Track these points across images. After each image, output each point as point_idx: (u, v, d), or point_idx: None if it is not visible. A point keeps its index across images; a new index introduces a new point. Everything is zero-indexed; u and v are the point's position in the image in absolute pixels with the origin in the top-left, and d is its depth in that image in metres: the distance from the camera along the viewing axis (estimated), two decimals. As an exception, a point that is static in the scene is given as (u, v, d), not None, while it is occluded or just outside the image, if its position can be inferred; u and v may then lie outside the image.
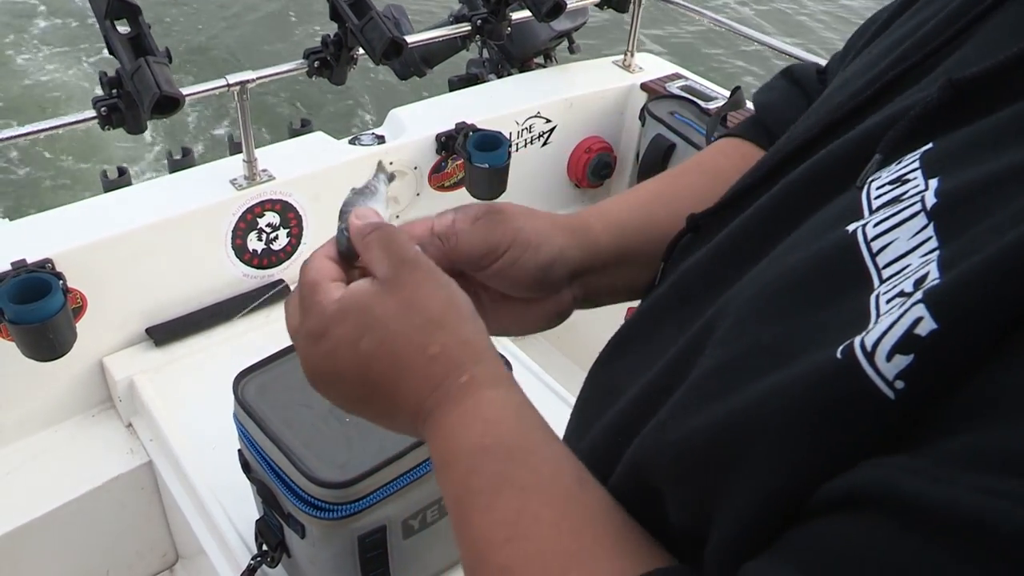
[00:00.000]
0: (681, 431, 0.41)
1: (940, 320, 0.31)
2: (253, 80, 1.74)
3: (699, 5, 2.45)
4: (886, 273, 0.36)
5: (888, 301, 0.34)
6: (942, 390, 0.31)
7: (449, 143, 2.06)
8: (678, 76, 2.43)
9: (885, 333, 0.32)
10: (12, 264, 1.56)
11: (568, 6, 2.07)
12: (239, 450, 1.36)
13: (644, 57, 2.54)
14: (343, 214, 0.60)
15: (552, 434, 0.49)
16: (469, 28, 2.07)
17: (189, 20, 6.43)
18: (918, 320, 0.31)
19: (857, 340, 0.33)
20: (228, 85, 1.72)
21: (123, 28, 1.52)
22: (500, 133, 2.05)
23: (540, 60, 2.61)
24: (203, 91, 1.70)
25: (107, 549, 1.82)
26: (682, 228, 0.61)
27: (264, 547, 1.38)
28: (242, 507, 1.51)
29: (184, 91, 1.57)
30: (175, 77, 1.52)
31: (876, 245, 0.37)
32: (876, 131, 0.45)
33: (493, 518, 0.44)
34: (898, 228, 0.37)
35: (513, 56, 2.54)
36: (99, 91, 1.57)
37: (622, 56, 2.49)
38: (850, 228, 0.39)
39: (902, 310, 0.32)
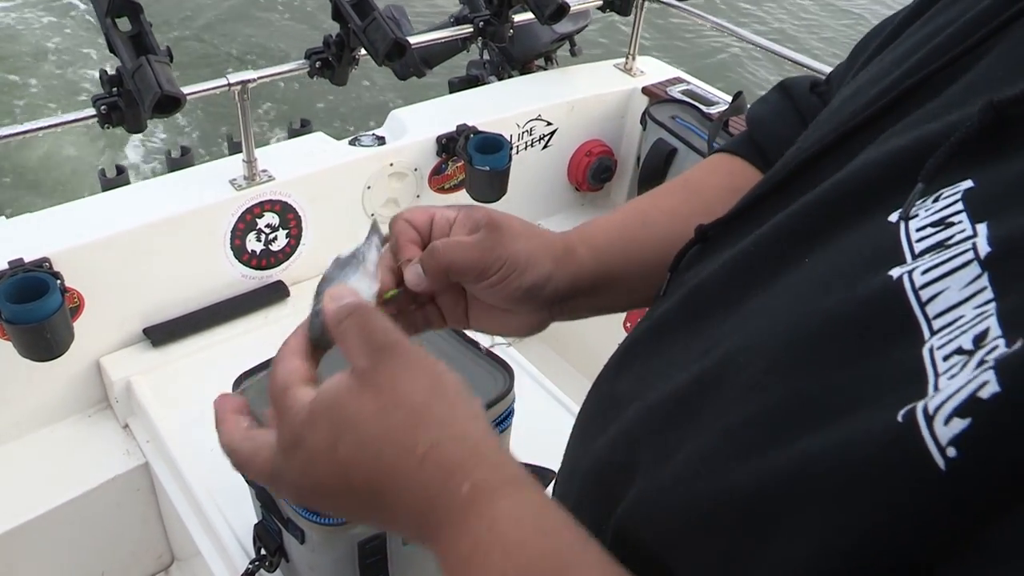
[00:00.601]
0: (719, 483, 0.38)
1: (1003, 382, 0.29)
2: (254, 80, 1.73)
3: (701, 9, 2.45)
4: (937, 324, 0.34)
5: (945, 358, 0.32)
6: (996, 472, 0.29)
7: (450, 145, 2.05)
8: (680, 80, 2.42)
9: (949, 398, 0.30)
10: (9, 263, 1.55)
11: (571, 8, 2.07)
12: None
13: (646, 60, 2.53)
14: (318, 294, 0.55)
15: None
16: (471, 30, 2.06)
17: (189, 18, 6.41)
18: (983, 384, 0.30)
19: (920, 405, 0.31)
20: (229, 84, 1.71)
21: (124, 26, 1.51)
22: (501, 136, 2.04)
23: (541, 62, 2.60)
24: (204, 90, 1.69)
25: (102, 550, 1.80)
26: (690, 239, 0.60)
27: (263, 551, 1.37)
28: (240, 510, 1.50)
29: (184, 90, 1.56)
30: (175, 76, 1.51)
31: (925, 294, 0.35)
32: (904, 155, 0.43)
33: None
34: (949, 277, 0.35)
35: (514, 58, 2.54)
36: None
37: (624, 59, 2.48)
38: (894, 273, 0.37)
39: (970, 375, 0.30)
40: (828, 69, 2.08)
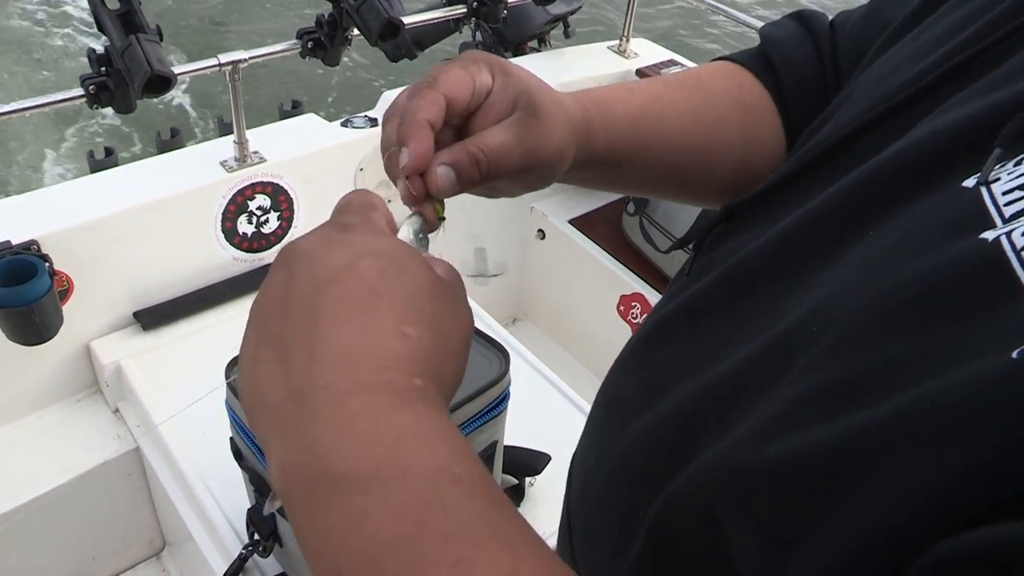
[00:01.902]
0: (795, 443, 0.36)
1: None
2: (245, 60, 1.71)
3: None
4: None
5: None
6: None
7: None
8: (673, 63, 2.41)
9: None
10: (-3, 245, 1.52)
11: (565, -11, 2.05)
12: (231, 438, 1.33)
13: (639, 42, 2.51)
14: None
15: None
16: (465, 10, 2.04)
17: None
18: None
19: None
20: (220, 64, 1.68)
21: (113, 3, 1.48)
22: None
23: (535, 44, 2.58)
24: (194, 70, 1.67)
25: (93, 536, 1.79)
26: (716, 217, 0.58)
27: (256, 536, 1.36)
28: (233, 494, 1.49)
29: (174, 70, 1.54)
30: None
31: None
32: (972, 123, 0.41)
33: None
34: None
35: (507, 40, 2.51)
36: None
37: (617, 41, 2.46)
38: (988, 236, 0.35)
39: None
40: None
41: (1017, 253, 0.34)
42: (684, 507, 0.42)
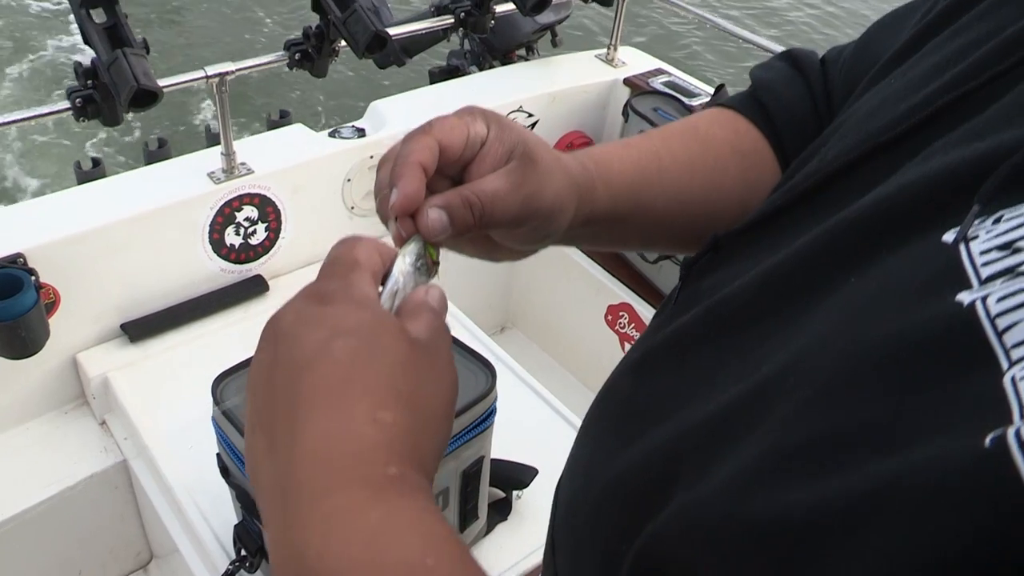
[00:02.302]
0: (775, 500, 0.36)
1: None
2: (232, 72, 1.71)
3: (684, 1, 2.44)
4: (1015, 355, 0.33)
5: None
6: None
7: (431, 137, 2.03)
8: (661, 72, 2.42)
9: None
10: (-18, 259, 1.52)
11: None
12: (217, 454, 1.33)
13: (627, 51, 2.52)
14: (397, 277, 0.52)
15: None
16: (452, 20, 2.04)
17: (165, 7, 6.33)
18: None
19: (1012, 430, 0.30)
20: (207, 77, 1.68)
21: (99, 17, 1.48)
22: (483, 128, 2.03)
23: (522, 52, 2.59)
24: (181, 83, 1.66)
25: (80, 548, 1.79)
26: (704, 247, 0.58)
27: (243, 552, 1.36)
28: (220, 509, 1.49)
29: (161, 83, 1.53)
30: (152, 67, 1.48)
31: (1001, 323, 0.34)
32: (953, 174, 0.41)
33: None
34: None
35: (495, 48, 2.52)
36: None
37: (605, 50, 2.47)
38: (964, 299, 0.35)
39: None
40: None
41: (991, 320, 0.34)
42: (664, 550, 0.42)
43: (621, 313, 2.29)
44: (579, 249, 2.36)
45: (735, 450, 0.40)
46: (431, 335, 0.48)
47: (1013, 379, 0.32)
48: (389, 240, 0.55)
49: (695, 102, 2.23)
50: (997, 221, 0.37)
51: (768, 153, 0.73)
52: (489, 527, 1.54)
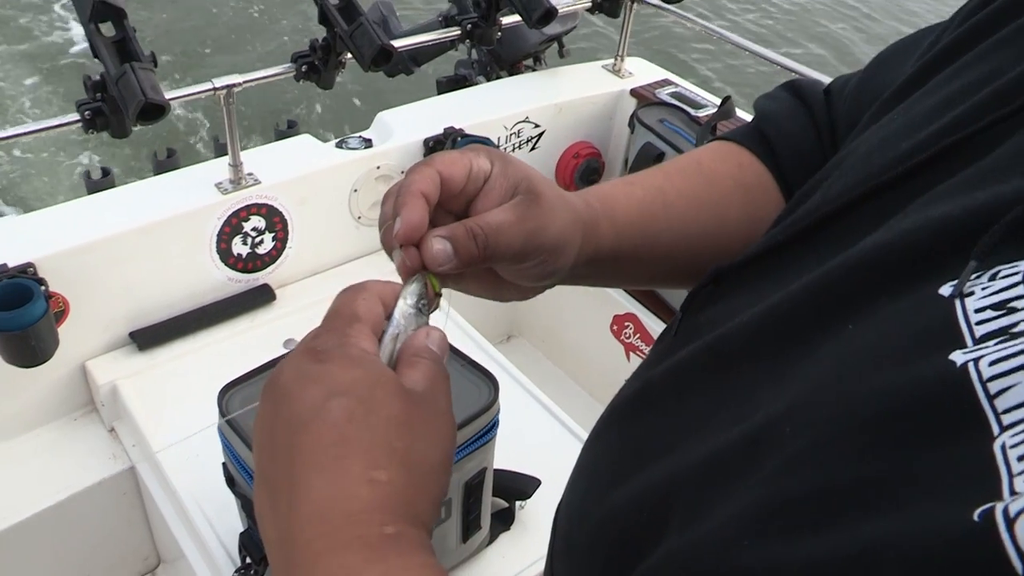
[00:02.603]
0: (765, 555, 0.36)
1: None
2: (239, 84, 1.73)
3: (691, 12, 2.45)
4: (1006, 420, 0.33)
5: (1020, 458, 0.31)
6: None
7: (437, 147, 2.05)
8: (668, 82, 2.43)
9: None
10: (-7, 269, 1.54)
11: (559, 11, 2.06)
12: (223, 463, 1.35)
13: (634, 62, 2.53)
14: (398, 320, 0.53)
15: None
16: (459, 32, 2.06)
17: (173, 20, 6.37)
18: None
19: (1000, 507, 0.30)
20: (214, 89, 1.70)
21: (108, 31, 1.50)
22: (487, 139, 2.05)
23: (530, 63, 2.60)
24: (189, 95, 1.69)
25: (89, 553, 1.81)
26: (704, 279, 0.58)
27: (247, 560, 1.38)
28: (225, 516, 1.50)
29: (169, 95, 1.55)
30: (161, 79, 1.51)
31: (993, 387, 0.33)
32: (953, 225, 0.41)
33: None
34: (1020, 372, 0.33)
35: (502, 59, 2.53)
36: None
37: (612, 61, 2.48)
38: (957, 359, 0.35)
39: None
40: (815, 74, 2.06)
41: (983, 384, 0.34)
42: None
43: (627, 323, 2.30)
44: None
45: (727, 497, 0.41)
46: (428, 384, 0.50)
47: (1003, 446, 0.32)
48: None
49: (702, 113, 2.24)
50: (993, 278, 0.37)
51: (772, 186, 0.74)
52: (492, 537, 1.55)
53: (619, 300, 2.30)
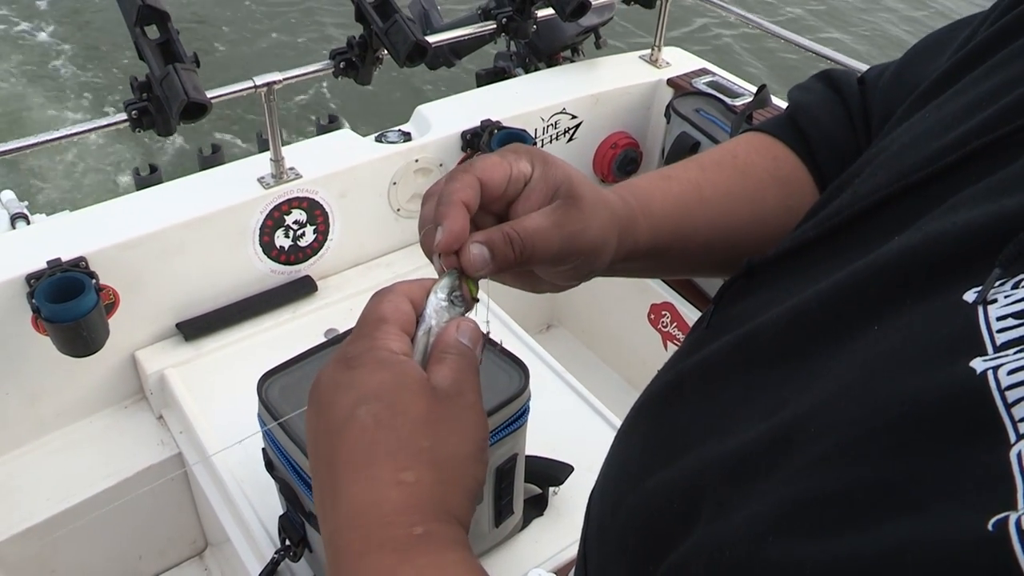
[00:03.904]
0: (786, 552, 0.37)
1: None
2: (280, 81, 1.77)
3: (726, 1, 2.44)
4: (1023, 428, 0.33)
5: None
6: None
7: (474, 140, 2.08)
8: (705, 72, 2.42)
9: None
10: (48, 263, 1.61)
11: (593, 3, 2.08)
12: (263, 448, 1.40)
13: (671, 51, 2.53)
14: (430, 315, 0.55)
15: None
16: (494, 26, 2.08)
17: (216, 20, 6.50)
18: None
19: (1013, 517, 0.31)
20: (256, 87, 1.75)
21: (153, 34, 1.56)
22: (524, 131, 2.07)
23: (567, 54, 2.61)
24: (230, 93, 1.74)
25: (140, 535, 1.88)
26: (737, 272, 0.59)
27: (287, 542, 1.43)
28: (267, 500, 1.56)
29: (211, 93, 1.61)
30: (202, 78, 1.56)
31: (1011, 395, 0.34)
32: (979, 232, 0.42)
33: None
34: None
35: (540, 51, 2.55)
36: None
37: (649, 51, 2.48)
38: (977, 367, 0.36)
39: None
40: (851, 62, 2.04)
41: (1001, 392, 0.34)
42: None
43: (664, 312, 2.31)
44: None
45: (754, 492, 0.42)
46: (455, 379, 0.51)
47: (1019, 454, 0.32)
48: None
49: (738, 102, 2.23)
50: (1017, 286, 0.37)
51: (807, 179, 0.74)
52: (525, 522, 1.58)
53: (656, 290, 2.31)
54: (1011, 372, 0.34)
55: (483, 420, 0.52)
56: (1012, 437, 0.33)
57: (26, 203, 2.11)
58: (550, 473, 1.60)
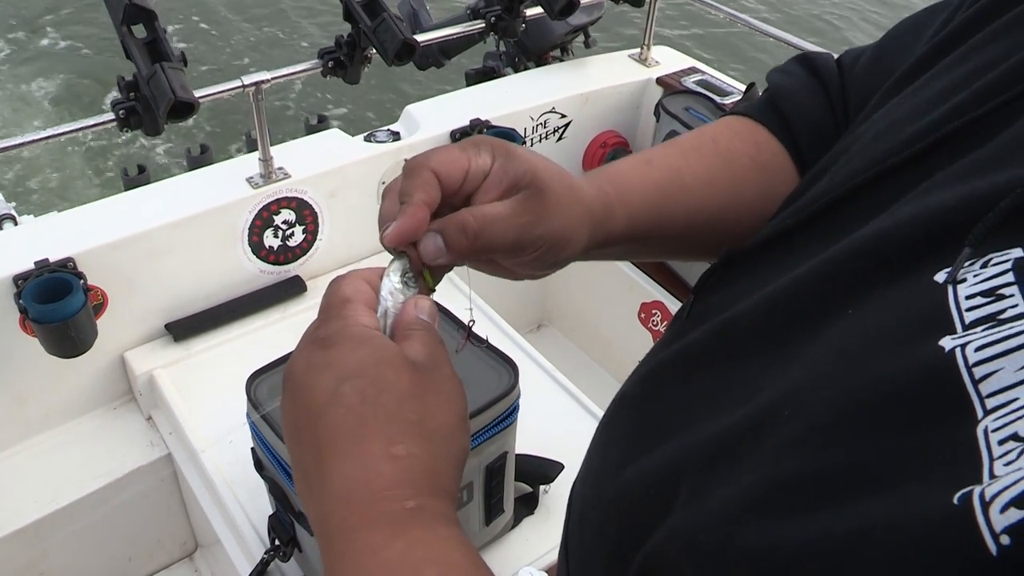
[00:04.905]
0: (763, 532, 0.38)
1: None
2: (268, 80, 1.77)
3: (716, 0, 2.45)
4: (990, 404, 0.34)
5: (1000, 443, 0.32)
6: None
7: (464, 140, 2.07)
8: (694, 70, 2.43)
9: (1007, 487, 0.30)
10: (36, 263, 1.61)
11: (583, 1, 2.08)
12: (252, 448, 1.39)
13: (660, 50, 2.54)
14: (385, 297, 0.55)
15: None
16: (483, 25, 2.08)
17: (203, 19, 6.48)
18: None
19: (977, 491, 0.31)
20: (243, 86, 1.74)
21: (140, 33, 1.55)
22: (513, 130, 2.07)
23: (557, 53, 2.62)
24: (218, 92, 1.73)
25: (130, 537, 1.87)
26: (716, 263, 0.59)
27: (277, 542, 1.42)
28: (256, 501, 1.55)
29: (199, 93, 1.61)
30: (190, 77, 1.55)
31: (978, 372, 0.34)
32: (950, 214, 0.42)
33: None
34: (1004, 357, 0.34)
35: (529, 50, 2.55)
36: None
37: (638, 50, 2.49)
38: (946, 345, 0.36)
39: None
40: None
41: (969, 369, 0.35)
42: (664, 567, 0.44)
43: (654, 311, 2.31)
44: (612, 247, 2.39)
45: (730, 475, 0.42)
46: (427, 353, 0.51)
47: (986, 430, 0.33)
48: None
49: (727, 100, 2.24)
50: (985, 265, 0.38)
51: (788, 164, 0.73)
52: (516, 520, 1.58)
53: (647, 288, 2.32)
54: (978, 348, 0.35)
55: (462, 390, 0.52)
56: (979, 413, 0.33)
57: (13, 204, 2.10)
58: (540, 471, 1.60)
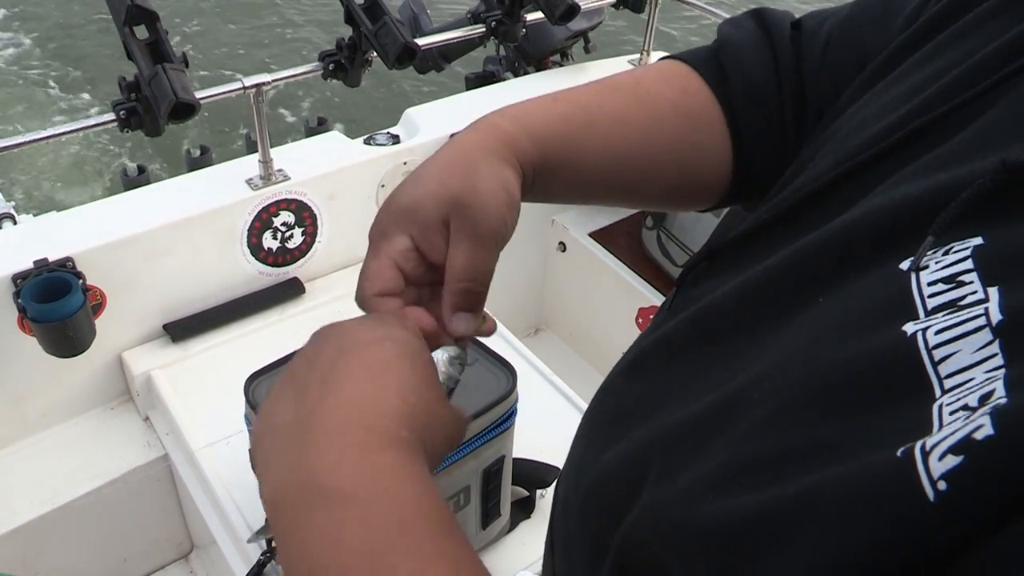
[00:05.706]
0: (722, 508, 0.39)
1: (998, 428, 0.31)
2: (268, 83, 1.77)
3: (715, 6, 2.45)
4: (948, 383, 0.35)
5: (952, 413, 0.34)
6: (984, 512, 0.30)
7: (463, 143, 2.08)
8: (693, 76, 2.43)
9: (946, 438, 0.32)
10: (35, 263, 1.60)
11: (583, 7, 2.08)
12: (249, 450, 1.39)
13: (660, 56, 2.54)
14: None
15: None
16: (484, 29, 2.09)
17: (204, 22, 6.49)
18: (979, 427, 0.31)
19: (919, 443, 0.33)
20: (244, 88, 1.75)
21: (141, 34, 1.55)
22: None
23: (557, 59, 2.62)
24: (219, 94, 1.73)
25: (125, 537, 1.87)
26: (698, 255, 0.61)
27: (273, 544, 1.42)
28: (253, 502, 1.55)
29: (200, 95, 1.61)
30: (192, 78, 1.56)
31: (938, 354, 0.36)
32: (915, 204, 0.44)
33: None
34: (961, 340, 0.36)
35: (529, 55, 2.56)
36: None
37: (638, 55, 2.49)
38: (908, 330, 0.38)
39: (967, 420, 0.32)
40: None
41: (929, 351, 0.36)
42: (637, 549, 0.46)
43: (652, 316, 2.31)
44: (610, 252, 2.40)
45: (699, 457, 0.44)
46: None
47: (941, 405, 0.35)
48: None
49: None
50: (947, 253, 0.40)
51: (717, 116, 0.72)
52: (513, 524, 1.58)
53: (645, 293, 2.32)
54: (938, 332, 0.37)
55: (461, 433, 0.57)
56: (938, 392, 0.35)
57: (12, 203, 2.10)
58: (538, 475, 1.60)
